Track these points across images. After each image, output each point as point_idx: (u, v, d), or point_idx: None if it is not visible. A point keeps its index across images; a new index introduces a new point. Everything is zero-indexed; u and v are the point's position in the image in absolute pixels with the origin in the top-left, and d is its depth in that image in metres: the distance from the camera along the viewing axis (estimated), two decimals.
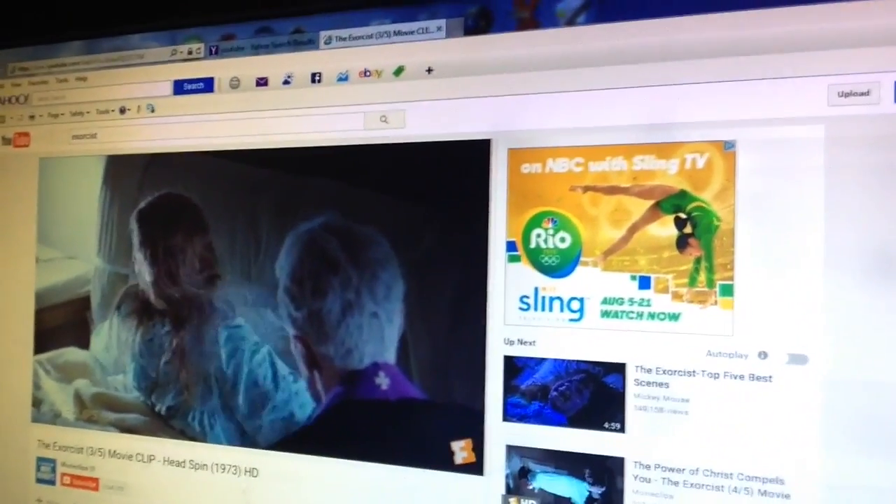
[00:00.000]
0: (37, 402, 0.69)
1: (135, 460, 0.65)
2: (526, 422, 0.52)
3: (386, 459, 0.56)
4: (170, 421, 0.64)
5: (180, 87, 0.63)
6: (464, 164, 0.54)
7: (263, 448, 0.60)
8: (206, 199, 0.62)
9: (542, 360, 0.51)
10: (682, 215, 0.48)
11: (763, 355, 0.46)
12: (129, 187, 0.65)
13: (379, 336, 0.56)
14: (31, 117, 0.70)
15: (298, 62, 0.59)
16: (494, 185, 0.53)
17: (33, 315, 0.69)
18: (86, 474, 0.67)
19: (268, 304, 0.60)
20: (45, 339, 0.69)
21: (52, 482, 0.68)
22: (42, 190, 0.69)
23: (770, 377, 0.46)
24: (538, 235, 0.52)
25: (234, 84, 0.61)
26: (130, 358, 0.65)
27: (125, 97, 0.66)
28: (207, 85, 0.62)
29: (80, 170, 0.68)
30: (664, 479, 0.48)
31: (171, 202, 0.63)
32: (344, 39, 0.58)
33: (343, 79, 0.58)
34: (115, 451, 0.66)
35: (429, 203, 0.55)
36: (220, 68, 0.62)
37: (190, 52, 0.63)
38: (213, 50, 0.62)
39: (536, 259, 0.52)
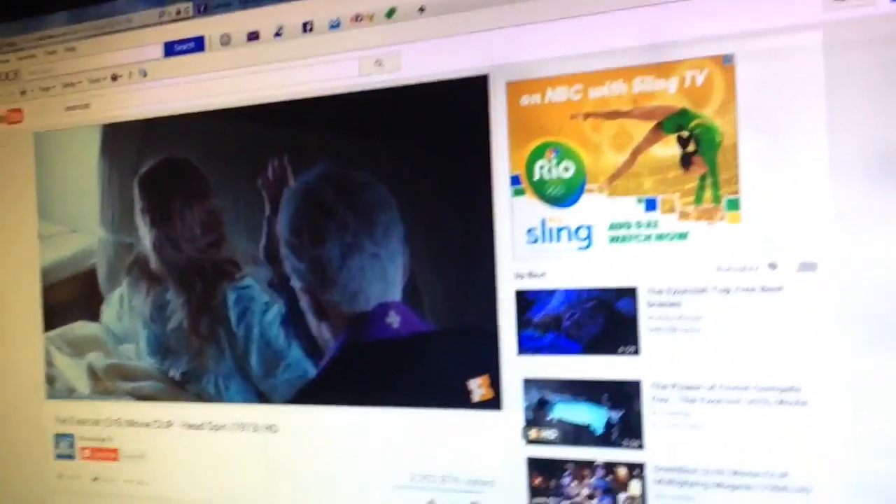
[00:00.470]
0: (50, 380, 0.69)
1: (153, 427, 0.65)
2: (541, 353, 0.52)
3: (403, 402, 0.56)
4: (185, 386, 0.64)
5: (171, 49, 0.63)
6: (462, 101, 0.54)
7: (280, 403, 0.60)
8: (206, 161, 0.62)
9: (554, 290, 0.52)
10: (685, 134, 0.48)
11: (773, 266, 0.46)
12: (127, 155, 0.65)
13: (383, 277, 0.56)
14: (23, 93, 0.70)
15: (289, 12, 0.59)
16: (494, 120, 0.53)
17: (40, 293, 0.69)
18: (105, 445, 0.67)
19: (273, 260, 0.60)
20: (54, 315, 0.69)
21: (71, 457, 0.69)
22: (39, 165, 0.69)
23: (781, 287, 0.46)
24: (542, 167, 0.52)
25: (225, 41, 0.61)
26: (142, 325, 0.66)
27: (116, 64, 0.65)
28: (198, 44, 0.62)
29: (77, 142, 0.67)
30: (682, 397, 0.49)
31: (172, 166, 0.63)
32: None
33: (335, 26, 0.58)
34: (132, 420, 0.66)
35: (429, 143, 0.55)
36: (209, 26, 0.62)
37: (178, 13, 0.63)
38: (202, 8, 0.62)
39: (541, 190, 0.52)
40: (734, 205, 0.47)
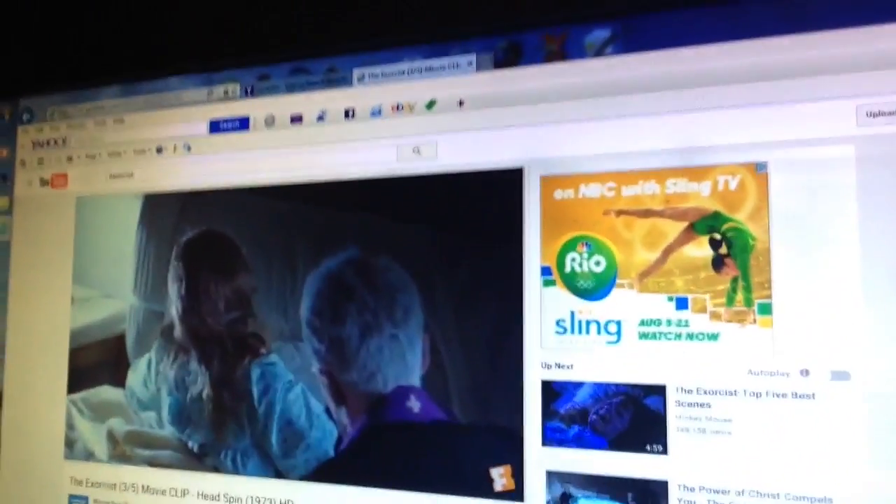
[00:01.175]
0: (69, 441, 0.69)
1: (168, 495, 0.65)
2: (566, 446, 0.52)
3: (423, 487, 0.55)
4: (203, 458, 0.64)
5: (216, 126, 0.65)
6: (497, 192, 0.55)
7: (298, 479, 0.60)
8: (243, 236, 0.63)
9: (581, 383, 0.52)
10: (717, 236, 0.49)
11: (805, 373, 0.46)
12: (166, 225, 0.67)
13: (402, 360, 0.56)
14: (69, 159, 0.72)
15: (332, 99, 0.61)
16: (527, 211, 0.54)
17: (68, 354, 0.70)
18: None
19: (298, 339, 0.60)
20: (80, 377, 0.70)
21: None
22: (79, 229, 0.71)
23: (813, 394, 0.46)
24: (573, 259, 0.52)
25: (269, 121, 0.63)
26: (166, 393, 0.66)
27: (162, 137, 0.68)
28: (243, 123, 0.64)
29: (117, 209, 0.69)
30: (709, 500, 0.48)
31: (209, 239, 0.65)
32: (377, 76, 0.60)
33: (376, 113, 0.60)
34: (148, 486, 0.66)
35: (462, 231, 0.56)
36: (255, 107, 0.64)
37: (226, 93, 0.65)
38: (249, 90, 0.64)
39: (572, 283, 0.52)
40: (766, 309, 0.47)
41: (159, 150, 0.68)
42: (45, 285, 0.72)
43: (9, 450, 0.72)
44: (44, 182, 0.73)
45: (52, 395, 0.70)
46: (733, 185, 0.49)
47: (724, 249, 0.48)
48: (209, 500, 0.63)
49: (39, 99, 0.74)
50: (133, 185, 0.69)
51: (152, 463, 0.66)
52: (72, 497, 0.69)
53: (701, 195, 0.49)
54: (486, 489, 0.54)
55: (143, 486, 0.66)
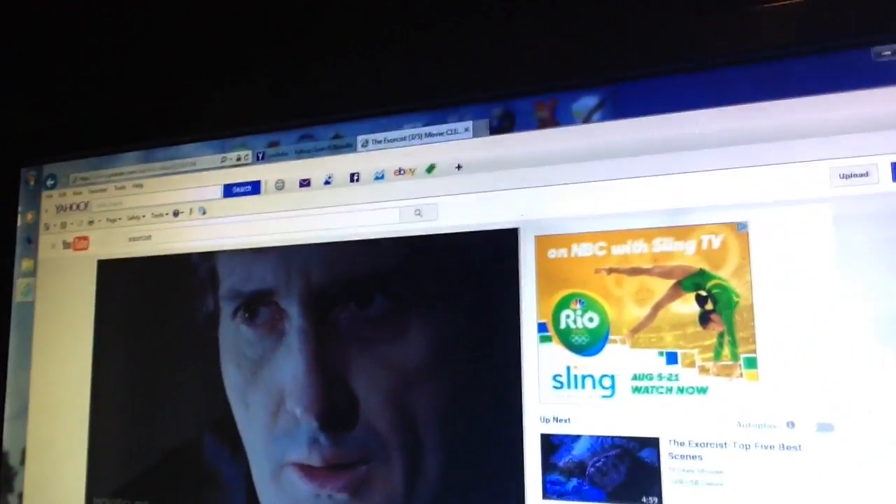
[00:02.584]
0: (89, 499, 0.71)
1: None
2: (566, 499, 0.53)
3: None
4: None
5: (230, 191, 0.69)
6: (494, 251, 0.58)
7: None
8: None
9: (578, 436, 0.53)
10: (703, 293, 0.51)
11: (791, 425, 0.48)
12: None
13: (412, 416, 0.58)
14: (91, 222, 0.76)
15: (338, 164, 0.64)
16: (524, 270, 0.56)
17: (88, 415, 0.72)
18: None
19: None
20: None
21: None
22: (99, 290, 0.74)
23: (799, 446, 0.48)
24: (567, 316, 0.55)
25: (280, 186, 0.67)
26: None
27: (178, 201, 0.71)
28: (255, 188, 0.68)
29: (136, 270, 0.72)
30: None
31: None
32: (380, 142, 0.63)
33: (379, 177, 0.63)
34: None
35: (461, 288, 0.58)
36: (266, 172, 0.67)
37: (238, 159, 0.69)
38: (260, 156, 0.68)
39: (567, 339, 0.55)
40: (752, 363, 0.49)
41: (176, 214, 0.71)
42: (67, 345, 0.74)
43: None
44: (66, 245, 0.76)
45: (72, 451, 0.72)
46: (717, 243, 0.51)
47: (709, 305, 0.51)
48: None
49: (63, 165, 0.78)
50: (151, 247, 0.72)
51: None
52: None
53: (686, 254, 0.52)
54: None
55: None
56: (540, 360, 0.55)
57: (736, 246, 0.50)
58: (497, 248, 0.57)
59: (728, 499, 0.49)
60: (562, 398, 0.54)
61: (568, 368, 0.54)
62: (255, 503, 0.64)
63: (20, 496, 0.74)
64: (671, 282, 0.52)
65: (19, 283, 0.78)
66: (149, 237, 0.72)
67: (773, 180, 0.50)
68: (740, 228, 0.50)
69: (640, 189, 0.54)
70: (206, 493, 0.66)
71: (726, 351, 0.50)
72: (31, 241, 0.78)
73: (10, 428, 0.75)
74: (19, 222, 0.79)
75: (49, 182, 0.79)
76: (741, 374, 0.49)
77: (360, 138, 0.64)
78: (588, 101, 0.56)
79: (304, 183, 0.66)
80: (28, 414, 0.75)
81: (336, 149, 0.65)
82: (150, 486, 0.69)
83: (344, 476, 0.60)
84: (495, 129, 0.59)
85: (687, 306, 0.51)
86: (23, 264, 0.78)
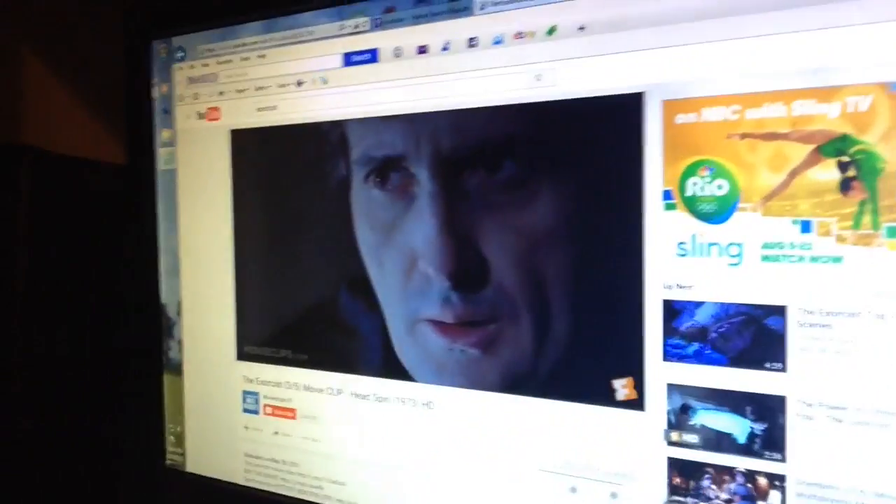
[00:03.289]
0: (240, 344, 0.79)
1: (325, 393, 0.74)
2: (686, 362, 0.54)
3: (550, 394, 0.60)
4: None
5: (349, 60, 0.69)
6: (618, 117, 0.56)
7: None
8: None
9: (701, 303, 0.54)
10: (845, 158, 0.48)
11: None
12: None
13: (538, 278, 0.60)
14: (220, 93, 0.79)
15: (455, 29, 0.63)
16: (648, 136, 0.55)
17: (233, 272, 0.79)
18: (284, 405, 0.77)
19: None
20: None
21: (255, 412, 0.79)
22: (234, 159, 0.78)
23: None
24: (694, 184, 0.53)
25: (398, 53, 0.66)
26: None
27: (301, 71, 0.72)
28: (373, 56, 0.68)
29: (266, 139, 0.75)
30: (828, 416, 0.50)
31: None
32: (498, 4, 0.61)
33: (498, 42, 0.61)
34: (308, 386, 0.75)
35: (586, 154, 0.58)
36: (383, 39, 0.67)
37: (356, 27, 0.69)
38: (377, 23, 0.67)
39: (693, 206, 0.53)
40: (894, 232, 0.47)
41: (299, 84, 0.73)
42: (209, 209, 0.80)
43: (190, 352, 0.83)
44: (200, 115, 0.80)
45: (221, 305, 0.80)
46: (864, 106, 0.47)
47: (851, 172, 0.48)
48: (360, 398, 0.71)
49: (190, 37, 0.81)
50: (277, 117, 0.75)
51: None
52: (245, 392, 0.79)
53: (829, 117, 0.48)
54: (608, 398, 0.58)
55: (304, 385, 0.75)
56: (664, 228, 0.55)
57: (886, 108, 0.46)
58: (621, 113, 0.56)
59: (857, 367, 0.49)
60: (685, 265, 0.54)
61: (693, 237, 0.54)
62: (391, 354, 0.69)
63: (180, 343, 0.83)
64: (810, 147, 0.49)
65: (161, 153, 0.83)
66: (275, 107, 0.75)
67: None
68: (892, 89, 0.46)
69: (779, 47, 0.50)
70: (345, 343, 0.72)
71: (867, 220, 0.47)
72: (168, 112, 0.83)
73: (166, 283, 0.84)
74: (156, 94, 0.83)
75: (178, 54, 0.82)
76: (881, 244, 0.47)
77: (478, 1, 0.62)
78: None
79: (422, 50, 0.65)
80: (180, 272, 0.83)
81: (453, 12, 0.63)
82: (293, 337, 0.76)
83: (475, 333, 0.63)
84: None
85: (826, 173, 0.49)
86: (163, 134, 0.83)
